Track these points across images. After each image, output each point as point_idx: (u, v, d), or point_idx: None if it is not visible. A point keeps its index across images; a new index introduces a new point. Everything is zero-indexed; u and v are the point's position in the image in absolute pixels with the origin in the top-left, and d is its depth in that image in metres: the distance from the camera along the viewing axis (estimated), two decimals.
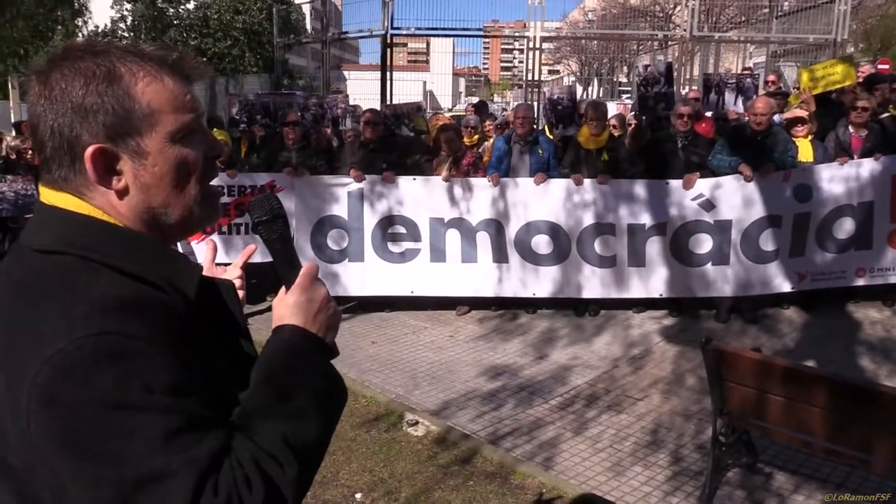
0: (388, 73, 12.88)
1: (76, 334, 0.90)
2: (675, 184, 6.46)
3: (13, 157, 6.16)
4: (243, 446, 0.97)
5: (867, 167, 6.45)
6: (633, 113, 9.51)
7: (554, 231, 6.62)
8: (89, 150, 1.01)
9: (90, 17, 23.22)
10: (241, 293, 1.38)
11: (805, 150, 6.59)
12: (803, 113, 6.80)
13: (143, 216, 1.06)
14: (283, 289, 1.20)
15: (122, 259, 1.00)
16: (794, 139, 6.57)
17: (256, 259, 5.98)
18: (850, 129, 6.64)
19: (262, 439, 0.99)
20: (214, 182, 1.16)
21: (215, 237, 6.72)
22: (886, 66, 12.55)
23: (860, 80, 7.84)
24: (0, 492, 0.97)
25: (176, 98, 1.06)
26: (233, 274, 1.42)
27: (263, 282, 6.33)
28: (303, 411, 1.05)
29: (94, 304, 0.93)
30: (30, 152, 6.98)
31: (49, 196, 1.05)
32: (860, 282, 6.66)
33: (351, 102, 10.27)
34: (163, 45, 1.10)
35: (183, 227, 1.12)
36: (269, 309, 1.26)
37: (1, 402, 0.93)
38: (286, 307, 1.16)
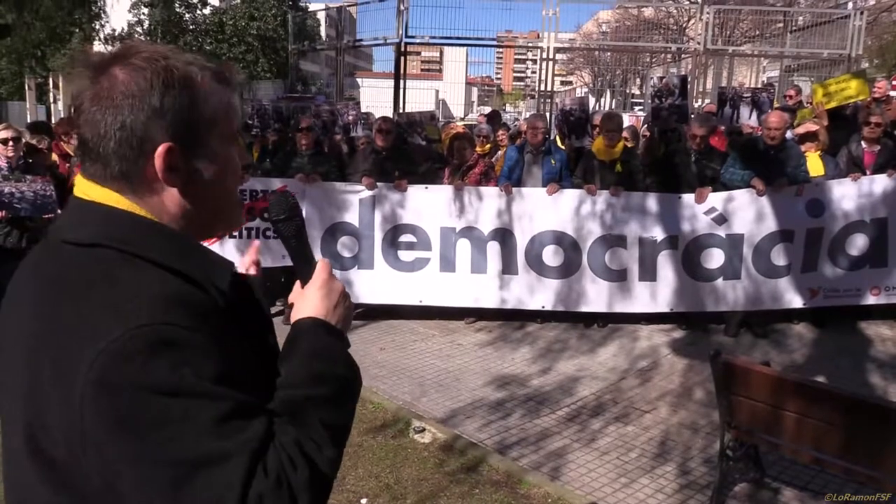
0: (401, 82, 12.93)
1: (129, 325, 0.93)
2: (688, 197, 6.45)
3: (31, 160, 6.22)
4: (285, 430, 1.03)
5: (881, 183, 6.42)
6: (645, 125, 9.51)
7: (565, 242, 6.61)
8: (161, 148, 1.04)
9: (107, 21, 23.43)
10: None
11: (815, 164, 6.57)
12: (815, 127, 6.78)
13: (190, 214, 1.11)
14: (297, 283, 1.25)
15: (160, 253, 1.04)
16: (805, 154, 6.56)
17: (267, 263, 6.04)
18: (863, 144, 6.62)
19: (301, 423, 1.05)
20: None
21: (228, 241, 6.76)
22: None
23: (876, 95, 7.83)
24: (37, 483, 0.99)
25: (229, 104, 1.13)
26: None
27: (274, 287, 6.37)
28: (333, 397, 1.11)
29: (142, 295, 0.97)
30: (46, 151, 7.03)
31: (87, 190, 1.08)
32: (875, 300, 6.61)
33: (364, 110, 10.31)
34: (204, 55, 1.18)
35: (222, 224, 1.20)
36: (280, 313, 1.28)
37: (46, 394, 0.95)
38: (306, 300, 1.20)
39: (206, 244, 1.17)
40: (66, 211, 1.12)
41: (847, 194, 6.43)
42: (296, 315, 1.20)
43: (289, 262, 1.29)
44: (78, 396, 0.92)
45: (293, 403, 1.07)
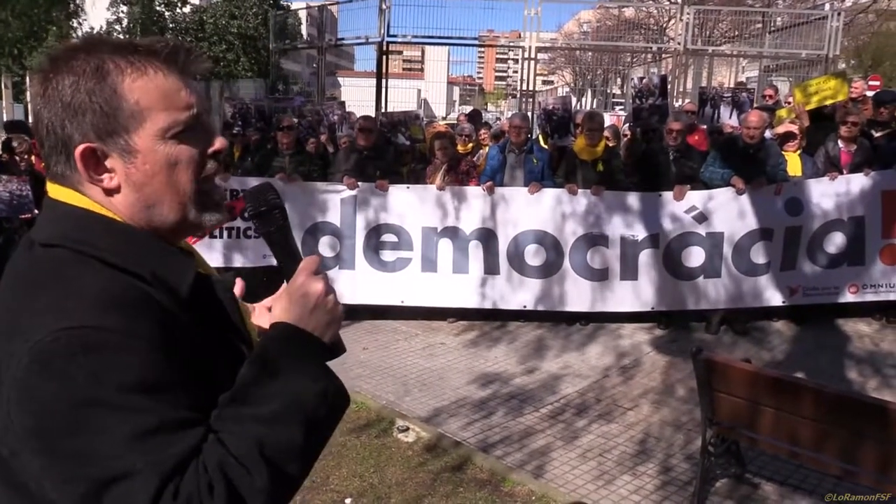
0: (383, 81, 12.90)
1: (56, 326, 0.90)
2: (669, 196, 6.49)
3: (6, 158, 6.15)
4: (212, 450, 0.93)
5: (857, 182, 6.50)
6: (626, 125, 9.56)
7: (546, 241, 6.62)
8: (78, 149, 1.01)
9: (85, 19, 23.17)
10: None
11: (794, 163, 6.64)
12: (794, 128, 6.85)
13: (139, 214, 1.05)
14: (284, 283, 1.15)
15: (111, 252, 1.00)
16: (783, 153, 6.62)
17: (246, 263, 5.97)
18: (840, 143, 6.69)
19: (232, 444, 0.93)
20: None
21: (206, 241, 6.69)
22: (877, 84, 12.67)
23: (852, 94, 7.92)
24: None
25: (167, 94, 1.03)
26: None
27: (255, 288, 6.32)
28: (281, 416, 0.97)
29: (78, 296, 0.94)
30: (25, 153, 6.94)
31: (54, 191, 1.07)
32: (853, 297, 6.69)
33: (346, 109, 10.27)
34: (157, 39, 1.08)
35: (179, 227, 1.09)
36: None
37: None
38: (280, 303, 1.10)
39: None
40: (41, 211, 1.11)
41: (825, 193, 6.50)
42: (272, 319, 1.09)
43: (269, 262, 1.25)
44: (5, 399, 0.91)
45: (228, 420, 0.96)
